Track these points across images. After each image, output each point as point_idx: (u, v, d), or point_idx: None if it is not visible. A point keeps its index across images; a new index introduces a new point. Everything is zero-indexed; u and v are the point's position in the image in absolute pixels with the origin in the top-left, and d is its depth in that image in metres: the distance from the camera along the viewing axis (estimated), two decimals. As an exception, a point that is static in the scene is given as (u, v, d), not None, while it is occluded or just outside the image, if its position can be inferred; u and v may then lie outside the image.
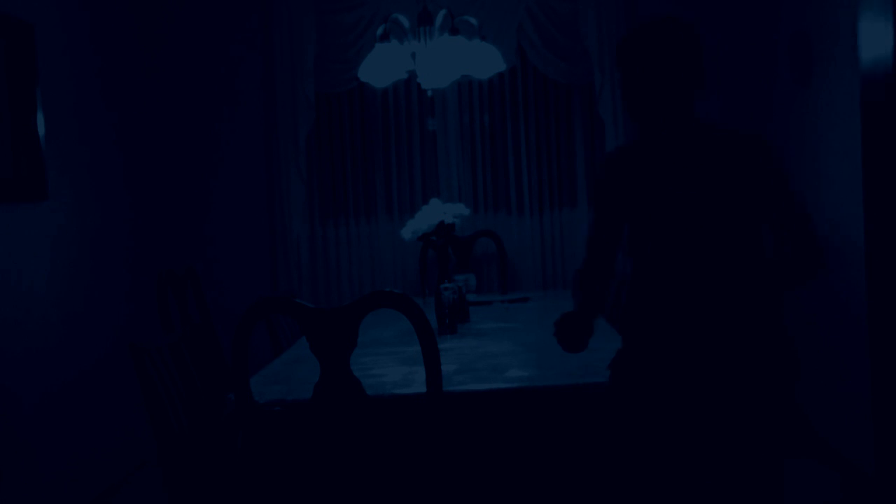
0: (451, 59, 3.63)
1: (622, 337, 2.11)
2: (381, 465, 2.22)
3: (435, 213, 3.67)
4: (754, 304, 1.95)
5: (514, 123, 4.86)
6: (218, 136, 4.83)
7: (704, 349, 1.94)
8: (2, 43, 3.30)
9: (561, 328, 2.07)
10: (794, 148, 4.18)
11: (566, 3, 4.71)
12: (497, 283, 4.74)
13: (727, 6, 4.70)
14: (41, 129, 3.50)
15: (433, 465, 2.24)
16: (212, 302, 3.68)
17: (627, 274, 2.10)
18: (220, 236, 4.83)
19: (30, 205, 3.45)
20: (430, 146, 4.87)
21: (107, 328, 4.02)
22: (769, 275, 1.96)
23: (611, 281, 2.20)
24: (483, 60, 3.75)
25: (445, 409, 2.21)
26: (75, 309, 3.77)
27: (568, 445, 2.35)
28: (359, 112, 4.89)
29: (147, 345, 2.46)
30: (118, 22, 4.39)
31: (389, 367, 2.70)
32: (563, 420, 2.37)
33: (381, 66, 3.71)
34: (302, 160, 4.73)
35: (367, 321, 2.18)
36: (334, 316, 2.14)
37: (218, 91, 4.81)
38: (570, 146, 4.90)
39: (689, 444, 1.99)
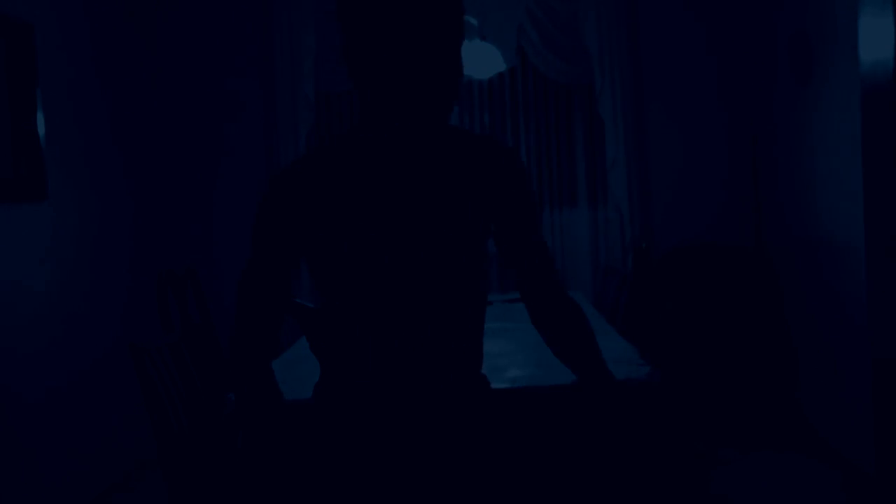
0: (451, 59, 3.63)
1: (321, 368, 1.74)
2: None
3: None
4: (460, 335, 1.59)
5: (514, 123, 4.86)
6: (218, 135, 4.83)
7: (406, 384, 1.61)
8: (2, 43, 3.30)
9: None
10: (794, 148, 4.18)
11: (566, 3, 4.71)
12: (496, 282, 4.74)
13: (727, 6, 4.70)
14: (41, 129, 3.50)
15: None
16: (212, 302, 3.68)
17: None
18: (221, 236, 4.83)
19: (30, 205, 3.45)
20: (430, 146, 4.86)
21: (107, 328, 4.02)
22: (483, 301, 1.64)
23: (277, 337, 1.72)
24: (483, 60, 3.76)
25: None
26: (75, 309, 3.77)
27: (568, 445, 2.35)
28: (359, 112, 4.87)
29: (147, 345, 2.46)
30: (118, 22, 4.39)
31: (389, 366, 2.70)
32: (562, 420, 2.37)
33: (381, 66, 3.70)
34: (302, 160, 4.72)
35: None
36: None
37: (218, 91, 4.81)
38: (570, 146, 4.91)
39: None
